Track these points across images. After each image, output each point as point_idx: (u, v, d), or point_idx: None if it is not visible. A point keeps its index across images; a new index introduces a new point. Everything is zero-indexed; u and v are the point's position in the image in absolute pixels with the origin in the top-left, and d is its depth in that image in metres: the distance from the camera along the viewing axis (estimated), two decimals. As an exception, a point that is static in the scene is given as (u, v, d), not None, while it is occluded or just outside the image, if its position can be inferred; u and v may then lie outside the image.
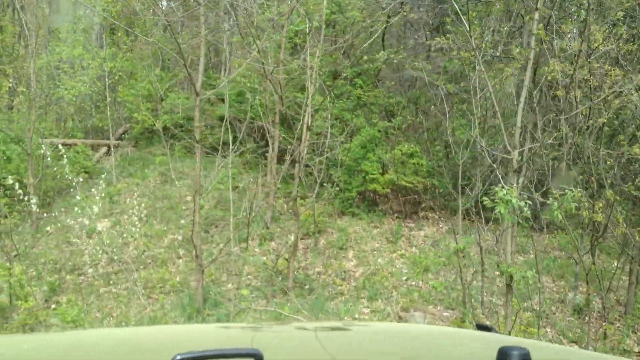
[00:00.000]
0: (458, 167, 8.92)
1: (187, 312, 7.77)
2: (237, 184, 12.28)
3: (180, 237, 10.72)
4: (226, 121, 10.60)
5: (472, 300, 8.04)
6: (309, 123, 9.30)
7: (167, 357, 1.16)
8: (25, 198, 10.04)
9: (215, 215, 11.27)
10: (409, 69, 11.99)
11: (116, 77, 15.14)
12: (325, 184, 10.40)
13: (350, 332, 1.87)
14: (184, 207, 11.75)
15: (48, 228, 11.61)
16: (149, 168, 13.91)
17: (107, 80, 14.02)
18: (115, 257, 10.39)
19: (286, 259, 8.53)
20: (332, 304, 7.73)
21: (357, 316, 7.22)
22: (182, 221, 11.31)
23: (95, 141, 15.90)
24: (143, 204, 12.05)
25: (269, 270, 8.98)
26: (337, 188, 10.69)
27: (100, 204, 12.07)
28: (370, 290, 8.10)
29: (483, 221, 8.54)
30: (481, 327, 1.95)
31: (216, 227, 11.04)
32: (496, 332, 1.95)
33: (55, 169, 13.08)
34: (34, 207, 8.97)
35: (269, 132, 11.58)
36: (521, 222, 6.16)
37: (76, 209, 12.14)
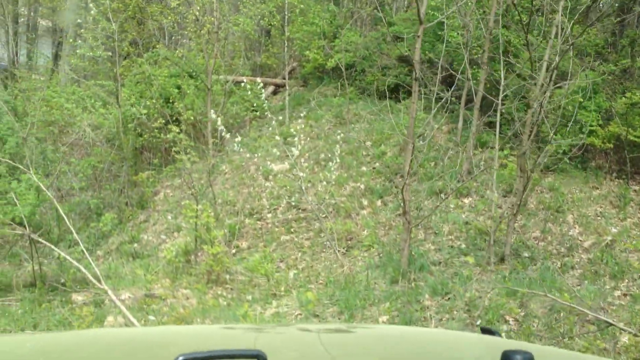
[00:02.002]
0: None
1: (389, 275, 6.78)
2: (420, 130, 11.03)
3: (362, 186, 9.75)
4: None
5: None
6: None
7: (170, 357, 1.15)
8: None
9: (399, 164, 10.15)
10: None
11: (290, 13, 14.28)
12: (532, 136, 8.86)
13: (353, 334, 1.87)
14: (364, 153, 10.75)
15: (223, 167, 11.17)
16: (321, 109, 13.05)
17: (286, 13, 13.17)
18: (293, 202, 9.69)
19: (502, 221, 7.23)
20: (564, 280, 6.35)
21: (611, 301, 5.81)
22: (364, 168, 10.32)
23: (264, 79, 15.29)
24: (318, 148, 11.25)
25: (472, 231, 7.75)
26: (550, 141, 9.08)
27: (275, 145, 11.43)
28: (613, 266, 6.61)
29: None
30: (485, 331, 1.87)
31: (401, 177, 9.92)
32: (500, 336, 1.85)
33: (229, 105, 12.63)
34: (224, 133, 8.29)
35: (465, 75, 10.13)
36: None
37: (250, 147, 11.64)
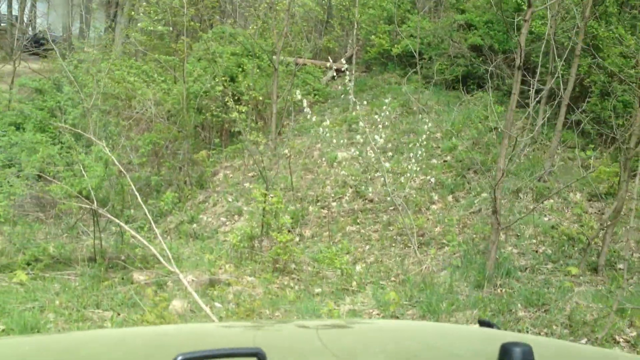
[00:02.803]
0: None
1: (473, 278, 6.30)
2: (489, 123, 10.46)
3: (432, 179, 9.25)
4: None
5: None
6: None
7: (169, 357, 1.15)
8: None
9: (473, 158, 9.61)
10: None
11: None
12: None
13: (352, 330, 1.84)
14: (433, 145, 10.22)
15: (285, 151, 10.78)
16: (385, 96, 12.54)
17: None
18: (360, 192, 9.25)
19: (598, 227, 6.67)
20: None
21: None
22: (434, 161, 9.82)
23: (324, 62, 14.84)
24: (384, 136, 10.78)
25: (558, 236, 7.21)
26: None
27: (339, 131, 11.01)
28: None
29: None
30: (483, 323, 1.83)
31: (475, 172, 9.39)
32: (498, 328, 1.82)
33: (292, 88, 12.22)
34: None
35: (549, 68, 9.51)
36: None
37: (312, 132, 11.23)
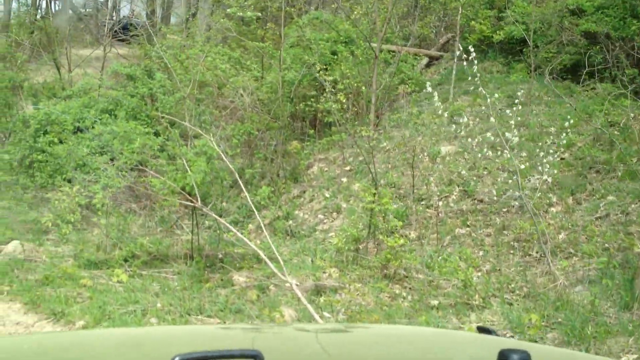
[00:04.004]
0: None
1: (619, 297, 5.52)
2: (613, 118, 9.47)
3: (549, 179, 8.40)
4: None
5: None
6: None
7: (166, 358, 1.15)
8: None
9: (594, 156, 8.69)
10: None
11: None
12: None
13: (350, 334, 1.87)
14: (547, 142, 9.33)
15: (384, 144, 10.17)
16: (488, 87, 11.69)
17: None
18: (468, 191, 8.53)
19: None
20: None
21: None
22: (549, 158, 8.94)
23: (419, 50, 14.11)
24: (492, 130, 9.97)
25: None
26: None
27: (440, 124, 10.28)
28: None
29: None
30: (482, 330, 1.83)
31: (597, 172, 8.48)
32: (497, 334, 1.82)
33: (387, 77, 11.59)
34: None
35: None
36: None
37: (410, 124, 10.56)
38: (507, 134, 6.70)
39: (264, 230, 6.00)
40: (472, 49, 6.89)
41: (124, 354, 1.48)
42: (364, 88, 10.00)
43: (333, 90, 9.82)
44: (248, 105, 9.47)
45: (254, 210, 6.12)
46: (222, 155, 6.19)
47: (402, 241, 6.42)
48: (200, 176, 5.97)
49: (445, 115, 10.30)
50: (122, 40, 17.58)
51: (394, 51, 12.85)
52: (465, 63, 11.66)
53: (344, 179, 9.19)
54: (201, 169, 6.04)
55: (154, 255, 7.25)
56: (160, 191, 6.17)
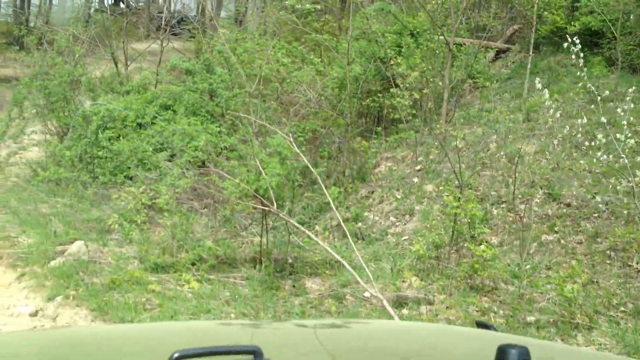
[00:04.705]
0: None
1: None
2: None
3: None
4: None
5: None
6: None
7: (165, 354, 1.15)
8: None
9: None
10: None
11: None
12: None
13: (349, 329, 1.84)
14: (638, 140, 8.63)
15: (456, 143, 9.59)
16: (564, 81, 10.99)
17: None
18: (552, 193, 7.91)
19: None
20: None
21: None
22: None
23: (486, 43, 13.42)
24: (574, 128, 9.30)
25: None
26: None
27: (514, 121, 9.68)
28: None
29: None
30: (480, 325, 1.86)
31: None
32: (495, 330, 1.82)
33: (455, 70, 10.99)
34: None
35: None
36: None
37: (483, 120, 9.98)
38: (618, 135, 6.02)
39: (347, 235, 5.54)
40: (577, 40, 6.17)
41: (123, 350, 1.45)
42: (439, 82, 9.42)
43: (403, 85, 9.32)
44: (313, 100, 9.04)
45: (336, 212, 5.67)
46: (302, 156, 5.76)
47: (492, 250, 5.87)
48: (275, 180, 5.56)
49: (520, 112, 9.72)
50: (175, 35, 17.42)
51: (459, 44, 12.24)
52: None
53: (415, 179, 8.67)
54: (276, 171, 5.63)
55: (221, 259, 6.90)
56: (232, 194, 5.78)
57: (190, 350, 1.15)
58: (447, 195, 6.20)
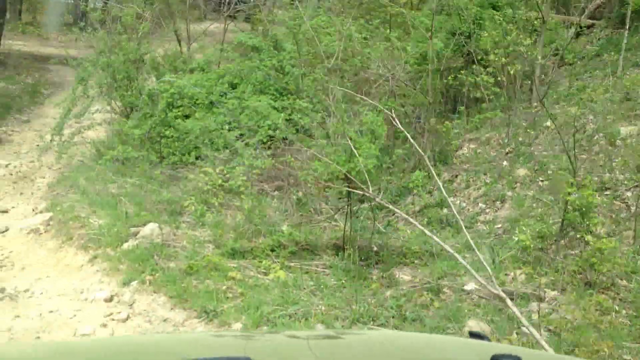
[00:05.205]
0: None
1: None
2: None
3: None
4: None
5: None
6: None
7: None
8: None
9: None
10: None
11: None
12: None
13: (342, 340, 1.83)
14: None
15: (547, 123, 8.85)
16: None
17: None
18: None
19: None
20: None
21: None
22: None
23: (565, 17, 12.50)
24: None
25: None
26: None
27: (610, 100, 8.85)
28: None
29: None
30: (474, 335, 1.85)
31: None
32: (489, 340, 1.82)
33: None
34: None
35: None
36: None
37: (576, 99, 9.17)
38: None
39: (459, 222, 4.96)
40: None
41: None
42: (536, 56, 8.64)
43: (487, 62, 8.63)
44: (396, 77, 8.44)
45: (444, 194, 5.09)
46: (407, 135, 5.20)
47: (614, 243, 5.20)
48: (371, 162, 5.02)
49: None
50: (231, 17, 17.04)
51: (538, 18, 11.39)
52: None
53: (505, 163, 7.99)
54: (372, 152, 5.09)
55: (301, 245, 6.42)
56: (321, 176, 5.27)
57: None
58: (561, 181, 5.51)
